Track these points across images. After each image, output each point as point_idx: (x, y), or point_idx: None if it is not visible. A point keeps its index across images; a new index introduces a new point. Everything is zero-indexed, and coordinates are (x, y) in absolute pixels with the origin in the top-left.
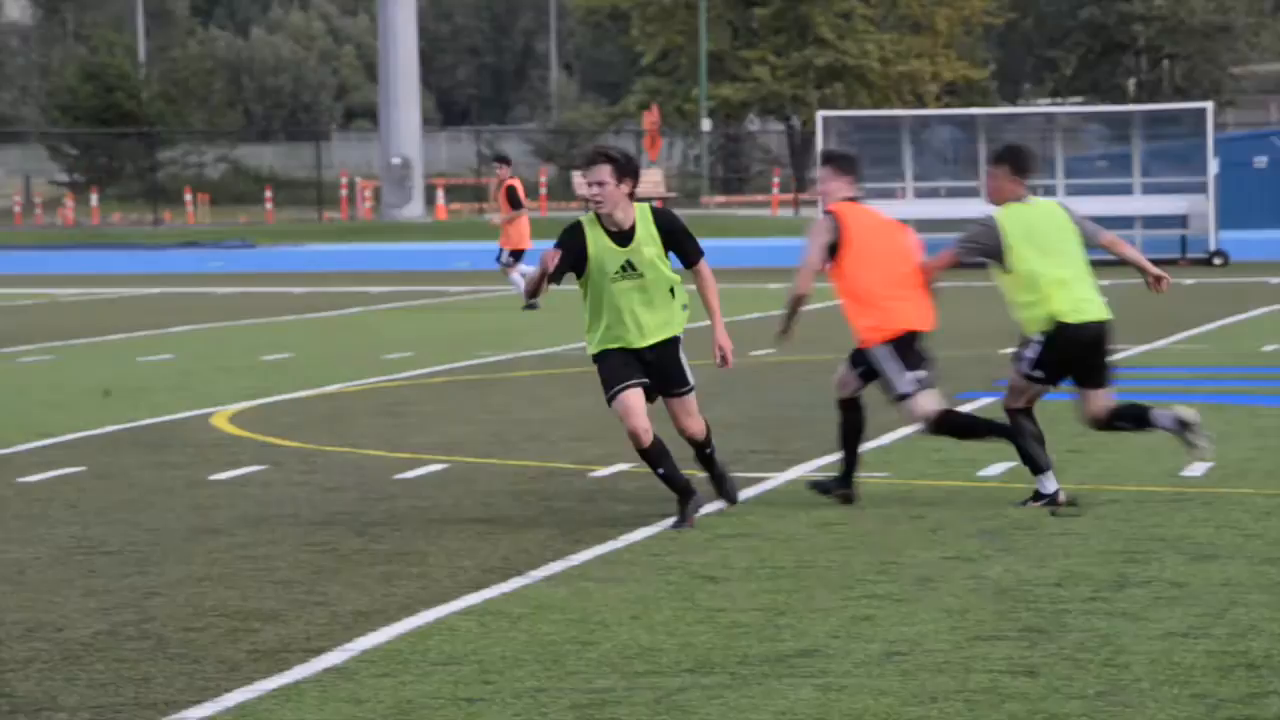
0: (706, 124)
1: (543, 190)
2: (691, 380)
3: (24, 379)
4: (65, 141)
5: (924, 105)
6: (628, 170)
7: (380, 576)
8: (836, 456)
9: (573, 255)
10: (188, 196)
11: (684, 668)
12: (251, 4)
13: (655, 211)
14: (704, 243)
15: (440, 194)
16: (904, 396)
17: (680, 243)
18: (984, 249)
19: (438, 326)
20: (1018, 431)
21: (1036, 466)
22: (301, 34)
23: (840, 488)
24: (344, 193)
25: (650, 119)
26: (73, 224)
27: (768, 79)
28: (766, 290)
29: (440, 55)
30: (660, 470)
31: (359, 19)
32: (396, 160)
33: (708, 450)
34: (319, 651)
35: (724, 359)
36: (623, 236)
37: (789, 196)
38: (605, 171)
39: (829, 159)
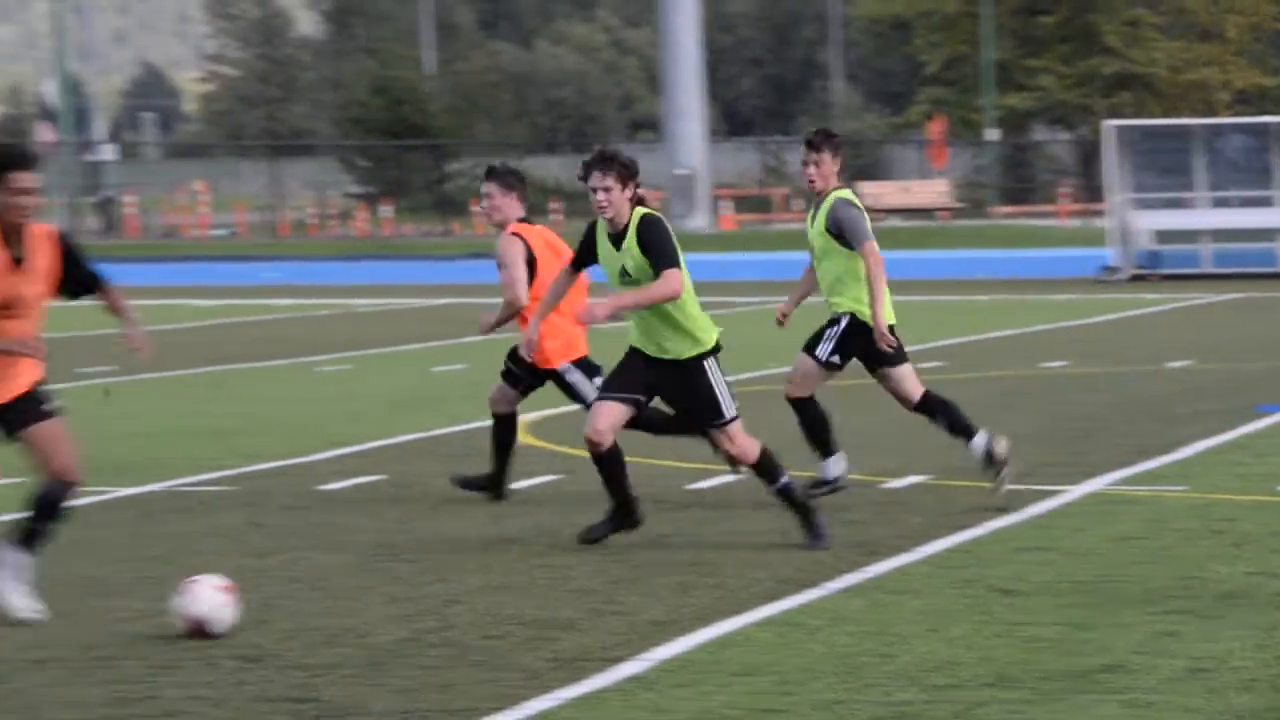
0: (993, 133)
1: None
2: (727, 410)
3: (322, 388)
4: (357, 154)
5: (1214, 114)
6: (632, 174)
7: (676, 587)
8: (1119, 472)
9: (588, 251)
10: (475, 208)
11: (984, 681)
12: (536, 17)
13: (643, 219)
14: (991, 254)
15: (725, 205)
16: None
17: (649, 248)
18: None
19: (724, 337)
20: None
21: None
22: (586, 46)
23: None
24: None
25: (935, 129)
26: (365, 235)
27: (1054, 88)
28: (1052, 301)
29: (723, 66)
30: (605, 474)
31: (642, 30)
32: (681, 171)
33: (776, 480)
34: (617, 660)
35: (585, 316)
36: (617, 240)
37: (1078, 207)
38: (611, 178)
39: (494, 175)
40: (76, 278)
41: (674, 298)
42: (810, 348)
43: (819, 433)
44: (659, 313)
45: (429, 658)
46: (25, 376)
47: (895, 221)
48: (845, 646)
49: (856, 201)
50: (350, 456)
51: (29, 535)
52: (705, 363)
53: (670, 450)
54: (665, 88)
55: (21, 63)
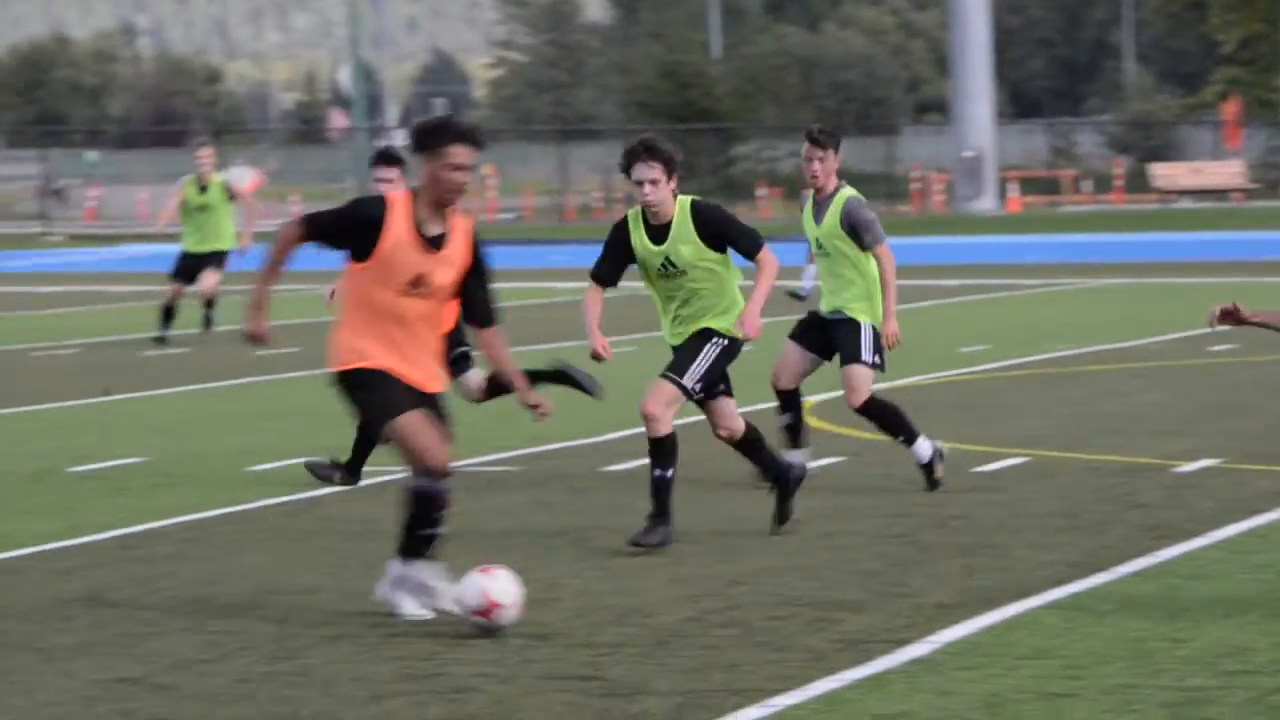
0: None
1: (1117, 183)
2: (689, 379)
3: (608, 371)
4: None
5: None
6: (675, 166)
7: (961, 569)
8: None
9: (621, 252)
10: (761, 190)
11: (1279, 668)
12: (823, 1)
13: (695, 206)
14: None
15: (1012, 187)
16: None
17: (724, 233)
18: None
19: (1011, 319)
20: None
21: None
22: (873, 29)
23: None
24: (915, 186)
25: (1230, 109)
26: None
27: None
28: None
29: (1012, 48)
30: (660, 472)
31: (931, 12)
32: (969, 153)
33: (754, 439)
34: (903, 643)
35: (744, 334)
36: (659, 233)
37: None
38: (658, 169)
39: (384, 158)
40: (472, 297)
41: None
42: (853, 357)
43: (896, 423)
44: (708, 297)
45: (713, 638)
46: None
47: (1187, 203)
48: (1135, 631)
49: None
50: (635, 438)
51: (416, 542)
52: (716, 338)
53: (954, 433)
54: (953, 69)
55: (317, 50)
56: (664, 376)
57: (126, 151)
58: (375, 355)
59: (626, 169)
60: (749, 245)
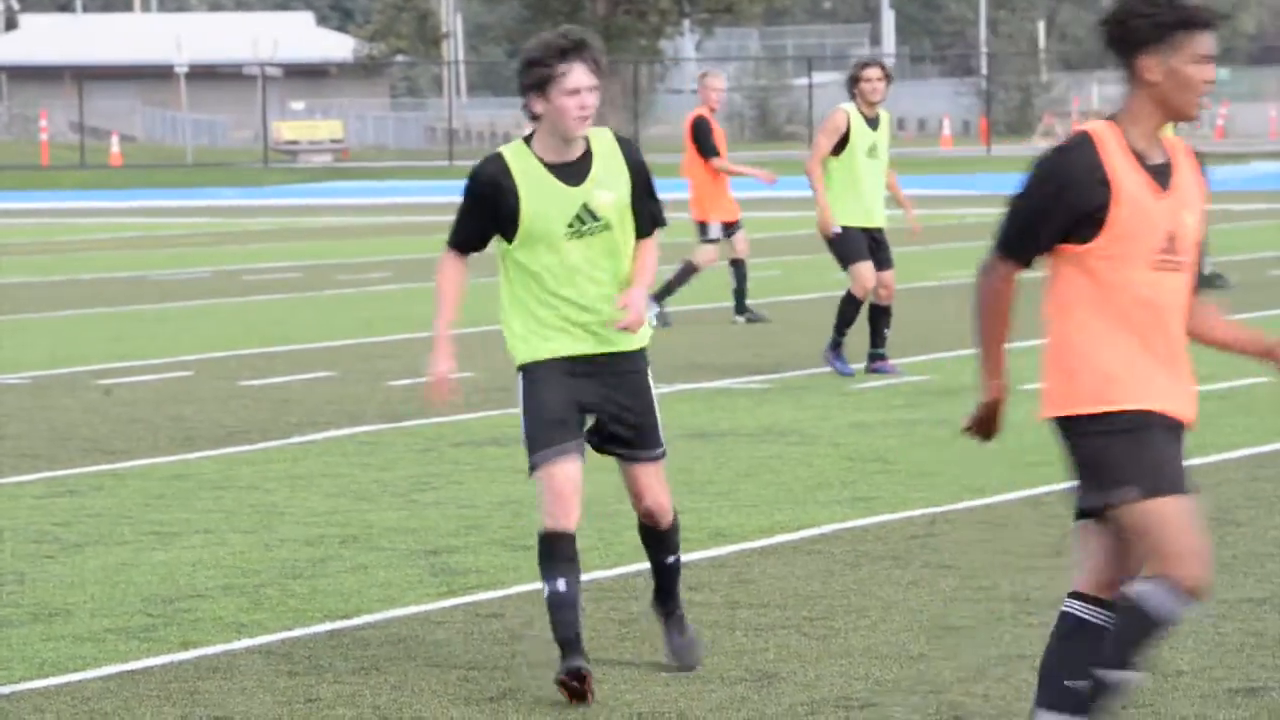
0: None
1: None
2: (663, 435)
3: None
4: None
5: None
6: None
7: None
8: None
9: (489, 208)
10: None
11: None
12: None
13: (624, 141)
14: None
15: None
16: None
17: (645, 188)
18: None
19: None
20: None
21: None
22: None
23: None
24: None
25: None
26: None
27: None
28: None
29: None
30: (554, 585)
31: None
32: None
33: (670, 557)
34: None
35: (628, 309)
36: (571, 171)
37: None
38: (592, 73)
39: None
40: None
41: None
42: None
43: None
44: (624, 267)
45: None
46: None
47: None
48: None
49: None
50: None
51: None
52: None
53: None
54: None
55: None
56: (641, 455)
57: (1258, 68)
58: (1131, 385)
59: (551, 76)
60: (655, 206)
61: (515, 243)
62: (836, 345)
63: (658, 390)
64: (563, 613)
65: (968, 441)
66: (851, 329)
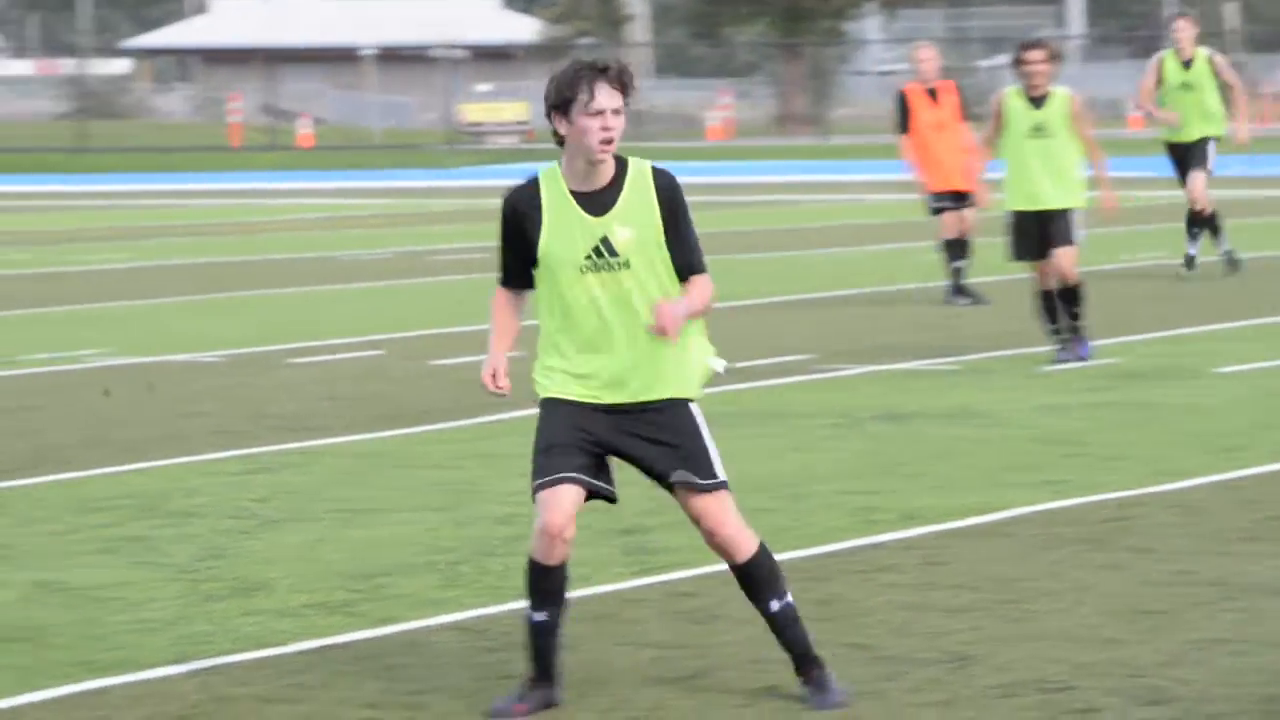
0: None
1: None
2: (720, 468)
3: None
4: None
5: None
6: (632, 91)
7: None
8: None
9: (519, 235)
10: None
11: None
12: None
13: (660, 174)
14: None
15: None
16: None
17: (679, 229)
18: None
19: None
20: None
21: None
22: None
23: None
24: None
25: None
26: None
27: None
28: None
29: None
30: (538, 615)
31: None
32: None
33: (774, 601)
34: None
35: (663, 313)
36: (598, 200)
37: None
38: (620, 96)
39: None
40: None
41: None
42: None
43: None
44: (632, 319)
45: None
46: None
47: None
48: None
49: None
50: None
51: None
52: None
53: None
54: None
55: None
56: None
57: None
58: None
59: (574, 96)
60: (696, 256)
61: (538, 271)
62: (1063, 330)
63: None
64: (542, 639)
65: (1160, 424)
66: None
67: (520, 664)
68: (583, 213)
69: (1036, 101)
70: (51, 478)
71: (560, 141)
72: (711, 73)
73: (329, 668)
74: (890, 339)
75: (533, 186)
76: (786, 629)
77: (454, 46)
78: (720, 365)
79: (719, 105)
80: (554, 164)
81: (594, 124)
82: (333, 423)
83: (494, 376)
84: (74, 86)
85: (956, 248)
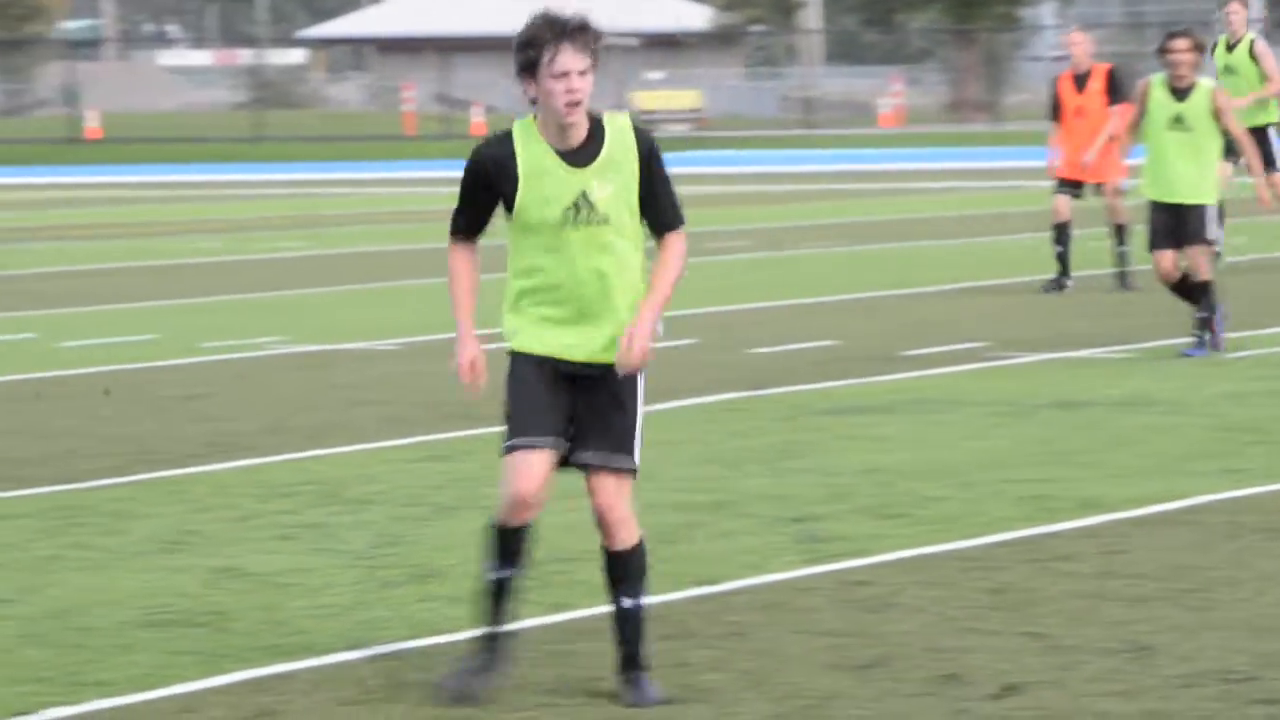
0: None
1: None
2: (637, 453)
3: None
4: None
5: None
6: (600, 47)
7: None
8: None
9: (489, 190)
10: None
11: None
12: None
13: (642, 133)
14: None
15: None
16: None
17: (657, 184)
18: None
19: None
20: None
21: None
22: None
23: None
24: None
25: None
26: None
27: None
28: None
29: None
30: (498, 573)
31: None
32: None
33: (628, 599)
34: None
35: (630, 349)
36: (575, 155)
37: None
38: (588, 56)
39: None
40: None
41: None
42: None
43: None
44: (625, 265)
45: None
46: None
47: None
48: None
49: None
50: None
51: None
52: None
53: None
54: None
55: None
56: (607, 466)
57: None
58: None
59: (539, 58)
60: (671, 205)
61: (513, 223)
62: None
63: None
64: (498, 600)
65: None
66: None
67: (693, 651)
68: (564, 166)
69: (1180, 93)
70: (231, 464)
71: (534, 102)
72: (883, 59)
73: None
74: (1064, 326)
75: (506, 140)
76: (632, 627)
77: (626, 34)
78: (660, 327)
79: (891, 92)
80: (529, 117)
81: (559, 86)
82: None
83: (472, 367)
84: (251, 77)
85: (1061, 233)
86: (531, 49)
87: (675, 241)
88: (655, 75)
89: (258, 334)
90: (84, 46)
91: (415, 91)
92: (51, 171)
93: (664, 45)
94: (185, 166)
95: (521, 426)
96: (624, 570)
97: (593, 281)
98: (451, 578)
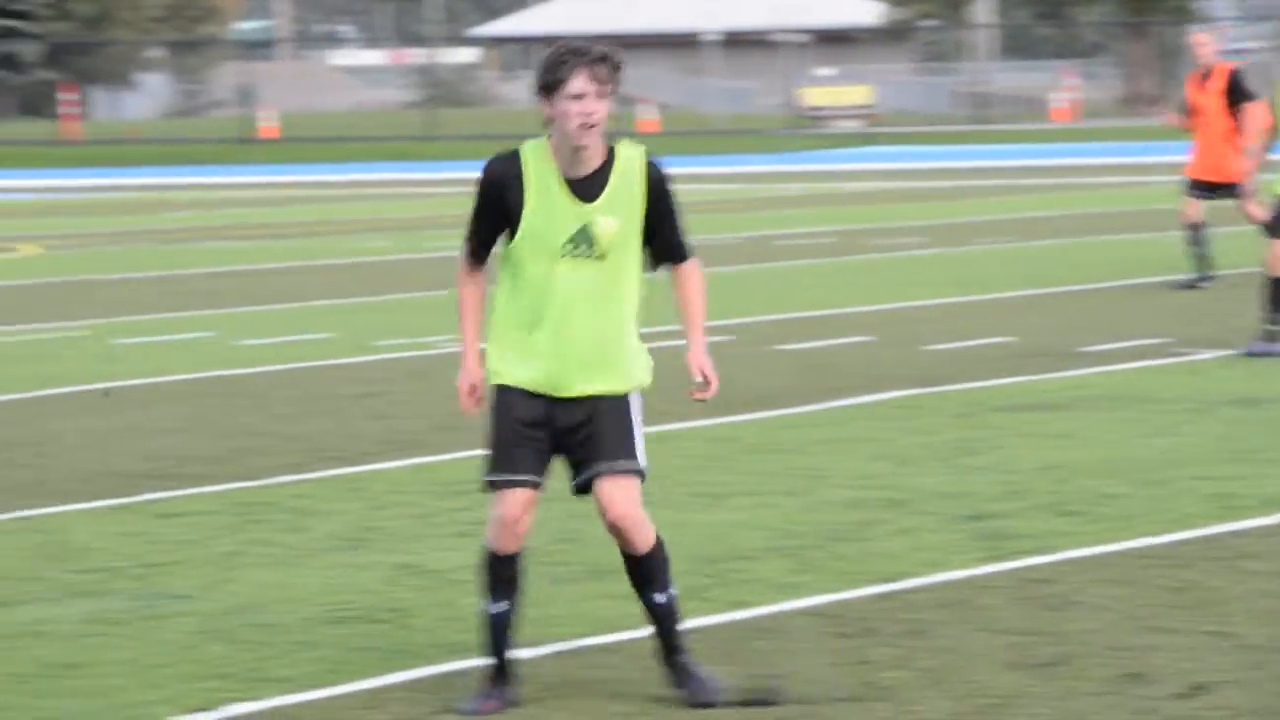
0: None
1: None
2: (642, 456)
3: None
4: None
5: None
6: (618, 79)
7: None
8: None
9: (500, 208)
10: None
11: None
12: None
13: (652, 165)
14: None
15: None
16: None
17: (666, 218)
18: None
19: None
20: None
21: None
22: None
23: None
24: None
25: None
26: None
27: None
28: None
29: None
30: (494, 607)
31: None
32: None
33: (659, 594)
34: None
35: (709, 386)
36: (582, 186)
37: None
38: (594, 81)
39: None
40: None
41: None
42: None
43: None
44: (615, 303)
45: None
46: None
47: None
48: None
49: None
50: None
51: None
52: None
53: None
54: None
55: None
56: (607, 468)
57: None
58: None
59: (558, 79)
60: (681, 237)
61: (512, 245)
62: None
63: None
64: (499, 632)
65: None
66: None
67: (874, 649)
68: (568, 196)
69: None
70: (407, 462)
71: (548, 123)
72: (1056, 54)
73: None
74: (1246, 322)
75: (515, 160)
76: (670, 618)
77: (796, 30)
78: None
79: (1065, 86)
80: (541, 139)
81: (574, 107)
82: (683, 409)
83: (473, 391)
84: (423, 76)
85: (1196, 233)
86: (552, 71)
87: (693, 271)
88: (825, 72)
89: (431, 332)
90: (258, 47)
91: None
92: (226, 171)
93: (835, 41)
94: (357, 166)
95: (506, 462)
96: (650, 571)
97: (586, 315)
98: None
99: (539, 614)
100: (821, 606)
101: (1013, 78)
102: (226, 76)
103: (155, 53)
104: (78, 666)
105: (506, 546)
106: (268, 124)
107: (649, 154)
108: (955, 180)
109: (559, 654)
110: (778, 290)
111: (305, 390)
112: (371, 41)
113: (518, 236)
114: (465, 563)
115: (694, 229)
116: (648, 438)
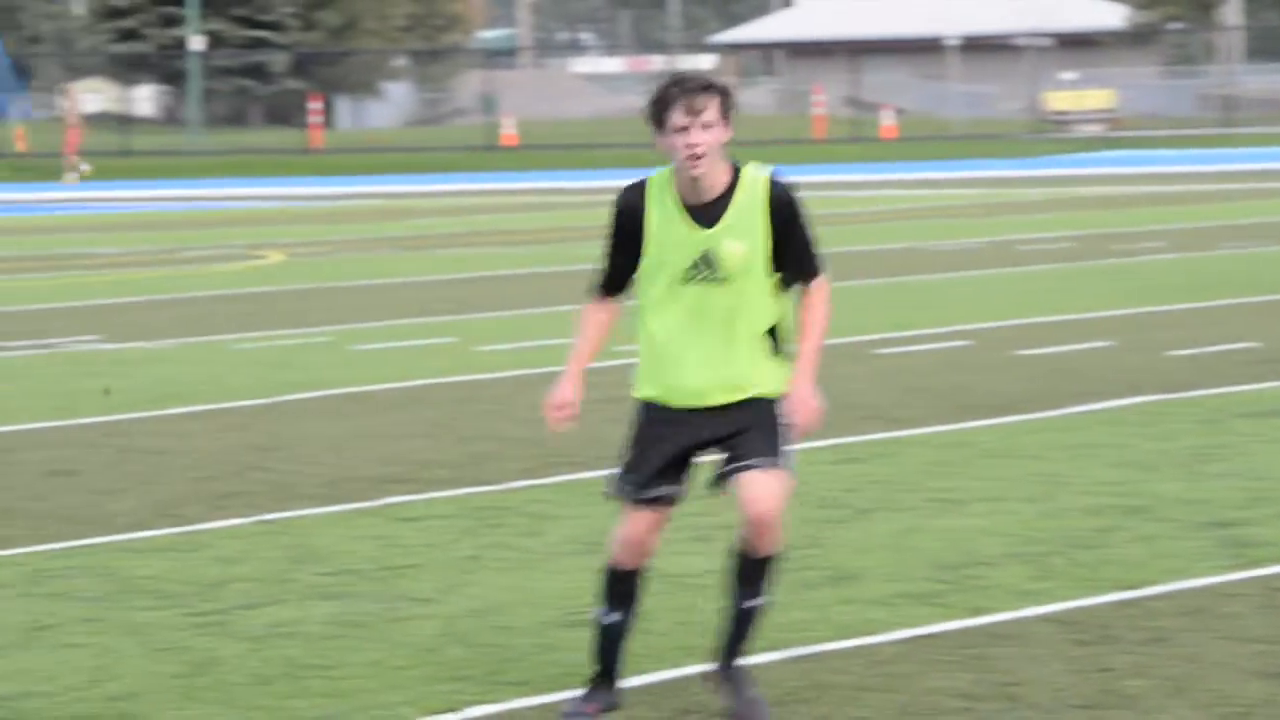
0: None
1: None
2: (790, 460)
3: None
4: None
5: None
6: (731, 106)
7: None
8: None
9: (631, 238)
10: None
11: None
12: None
13: (776, 185)
14: None
15: None
16: None
17: (794, 238)
18: None
19: None
20: None
21: None
22: None
23: None
24: None
25: None
26: None
27: None
28: None
29: None
30: (608, 617)
31: None
32: None
33: (754, 599)
34: None
35: (797, 422)
36: (703, 213)
37: None
38: (715, 108)
39: None
40: None
41: None
42: None
43: None
44: (744, 327)
45: None
46: None
47: None
48: None
49: None
50: None
51: None
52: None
53: None
54: None
55: None
56: (751, 464)
57: None
58: None
59: (664, 110)
60: (811, 255)
61: (643, 271)
62: None
63: None
64: (611, 641)
65: None
66: None
67: (1115, 657)
68: (690, 223)
69: None
70: None
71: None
72: None
73: (921, 657)
74: None
75: (642, 190)
76: (751, 624)
77: (1039, 34)
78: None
79: None
80: (667, 169)
81: (679, 140)
82: (919, 413)
83: (559, 408)
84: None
85: None
86: (655, 106)
87: (820, 290)
88: (1068, 75)
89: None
90: (500, 55)
91: (825, 95)
92: (470, 178)
93: (1078, 45)
94: (599, 172)
95: (636, 479)
96: (760, 574)
97: (710, 342)
98: (869, 580)
99: (782, 618)
100: (1061, 613)
101: (1262, 80)
102: (469, 85)
103: (399, 62)
104: (323, 668)
105: (629, 563)
106: (509, 131)
107: (774, 174)
108: (1198, 184)
109: (800, 658)
110: (1018, 295)
111: (542, 395)
112: (612, 49)
113: (645, 263)
114: (703, 567)
115: (932, 234)
116: (875, 443)
